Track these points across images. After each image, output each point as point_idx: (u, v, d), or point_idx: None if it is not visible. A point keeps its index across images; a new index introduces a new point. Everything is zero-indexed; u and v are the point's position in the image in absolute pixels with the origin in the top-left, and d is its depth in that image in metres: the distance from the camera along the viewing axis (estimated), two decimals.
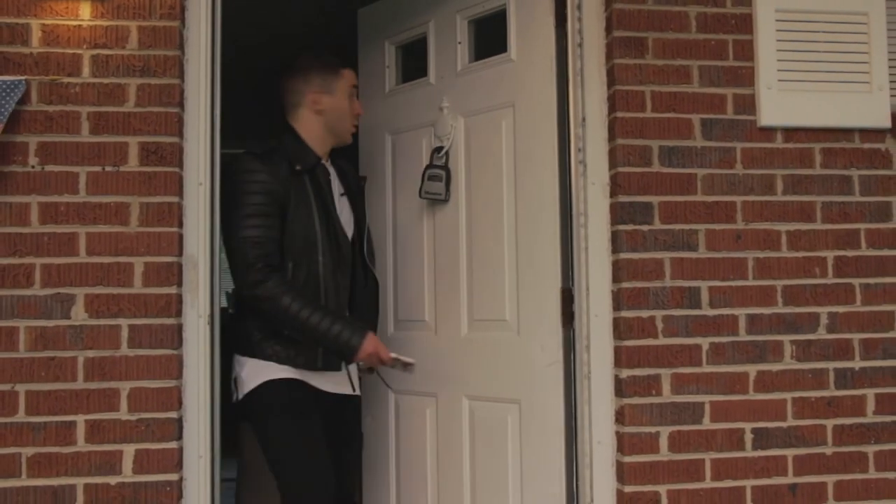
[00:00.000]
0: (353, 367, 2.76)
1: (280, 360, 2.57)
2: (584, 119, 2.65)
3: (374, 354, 2.61)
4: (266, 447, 2.63)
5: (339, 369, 2.67)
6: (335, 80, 2.70)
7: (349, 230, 2.74)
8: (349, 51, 3.22)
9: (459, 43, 2.94)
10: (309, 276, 2.58)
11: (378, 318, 2.93)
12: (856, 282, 2.67)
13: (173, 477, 2.37)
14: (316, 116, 2.68)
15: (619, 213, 2.58)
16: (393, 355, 2.63)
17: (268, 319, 2.56)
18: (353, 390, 2.77)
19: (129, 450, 2.36)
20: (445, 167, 2.90)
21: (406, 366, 2.66)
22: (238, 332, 2.64)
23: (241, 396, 2.62)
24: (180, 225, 2.44)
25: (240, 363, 2.63)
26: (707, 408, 2.58)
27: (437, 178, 2.90)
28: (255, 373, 2.58)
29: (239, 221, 2.50)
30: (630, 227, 2.58)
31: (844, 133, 2.69)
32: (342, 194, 2.76)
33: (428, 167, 2.93)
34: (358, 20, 3.33)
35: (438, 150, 2.94)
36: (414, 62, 3.18)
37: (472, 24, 2.96)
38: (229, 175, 2.53)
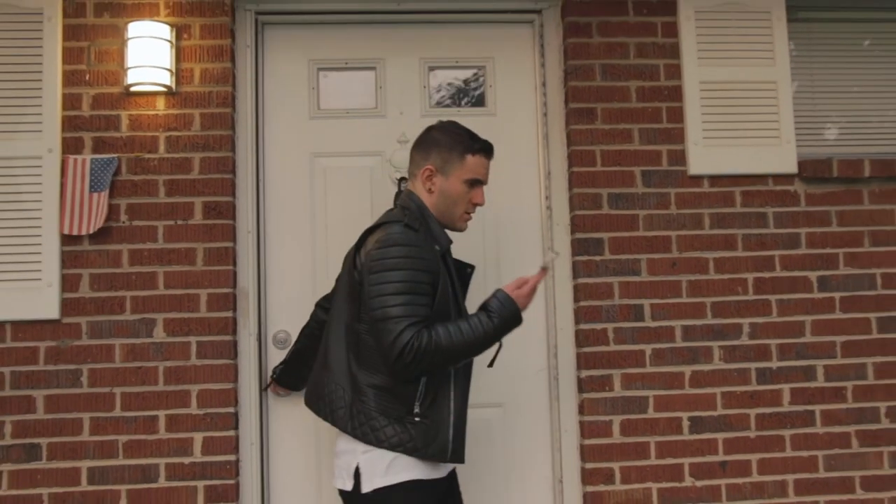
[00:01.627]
0: None
1: (407, 450, 2.35)
2: (549, 173, 3.35)
3: (525, 295, 2.46)
4: None
5: (463, 461, 2.46)
6: (457, 164, 2.52)
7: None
8: None
9: (424, 87, 3.41)
10: None
11: None
12: (772, 298, 3.31)
13: (232, 458, 3.09)
14: (427, 194, 2.55)
15: (577, 247, 3.26)
16: (542, 267, 2.54)
17: (407, 389, 2.37)
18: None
19: (198, 437, 3.08)
20: None
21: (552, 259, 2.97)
22: (355, 413, 2.39)
23: (364, 490, 2.36)
24: (234, 264, 3.17)
25: (356, 450, 2.39)
26: (651, 400, 3.23)
27: None
28: (382, 465, 2.36)
29: (394, 296, 2.31)
30: (586, 257, 3.25)
31: (760, 178, 3.34)
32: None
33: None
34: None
35: (404, 179, 3.15)
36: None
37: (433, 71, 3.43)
38: (382, 243, 2.37)
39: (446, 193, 2.52)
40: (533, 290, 2.47)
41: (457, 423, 2.42)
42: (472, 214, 2.58)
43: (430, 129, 2.59)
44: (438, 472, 2.45)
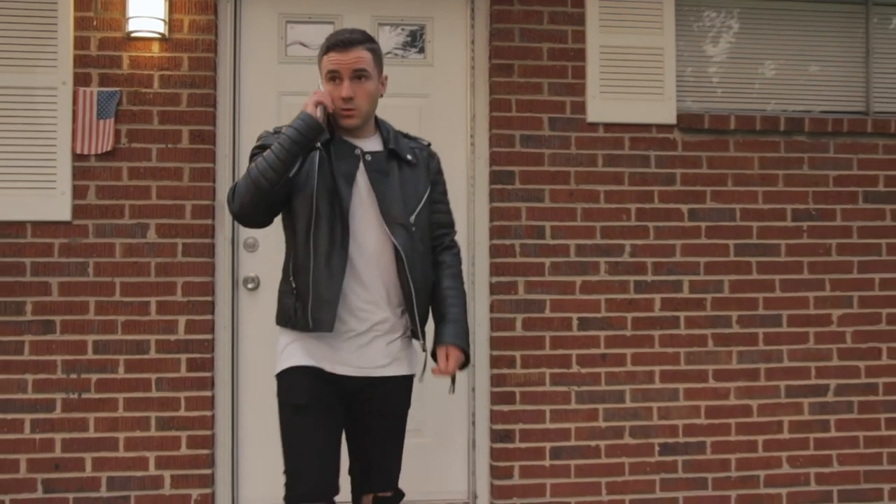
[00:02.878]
0: (393, 345, 2.67)
1: (283, 323, 2.64)
2: (474, 116, 4.09)
3: (318, 100, 2.49)
4: None
5: (326, 329, 2.54)
6: (321, 67, 2.60)
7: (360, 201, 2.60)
8: None
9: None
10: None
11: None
12: (650, 224, 4.09)
13: (209, 337, 3.86)
14: None
15: (493, 177, 4.02)
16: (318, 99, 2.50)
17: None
18: (390, 371, 2.67)
19: (182, 319, 3.84)
20: None
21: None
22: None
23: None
24: (214, 181, 3.90)
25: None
26: (548, 303, 4.02)
27: None
28: (279, 348, 2.68)
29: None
30: (500, 186, 4.01)
31: (645, 127, 4.09)
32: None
33: None
34: None
35: None
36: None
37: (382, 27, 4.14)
38: (434, 160, 2.79)
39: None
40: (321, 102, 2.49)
41: (317, 289, 2.52)
42: (351, 111, 2.56)
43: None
44: (323, 361, 2.59)
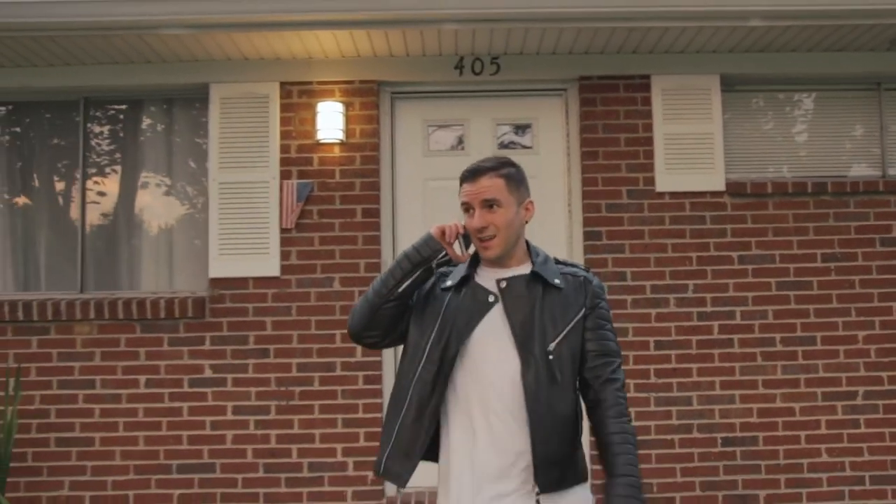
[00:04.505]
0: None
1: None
2: (570, 190, 5.44)
3: (442, 227, 2.50)
4: None
5: (395, 479, 2.47)
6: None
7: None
8: None
9: (494, 136, 5.55)
10: None
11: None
12: (707, 268, 5.32)
13: (378, 358, 5.26)
14: None
15: (586, 236, 5.33)
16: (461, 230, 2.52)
17: None
18: None
19: (359, 347, 5.26)
20: None
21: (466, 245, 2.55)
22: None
23: None
24: (380, 245, 5.33)
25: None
26: (630, 330, 5.28)
27: None
28: None
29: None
30: (590, 242, 5.32)
31: (701, 194, 5.36)
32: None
33: None
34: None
35: None
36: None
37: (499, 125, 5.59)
38: (591, 285, 2.55)
39: None
40: (450, 231, 2.49)
41: (400, 439, 2.46)
42: (488, 241, 2.48)
43: None
44: None
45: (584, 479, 2.52)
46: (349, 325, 2.55)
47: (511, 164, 2.56)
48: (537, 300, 2.47)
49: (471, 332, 2.45)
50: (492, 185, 2.48)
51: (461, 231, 2.50)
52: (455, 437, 2.46)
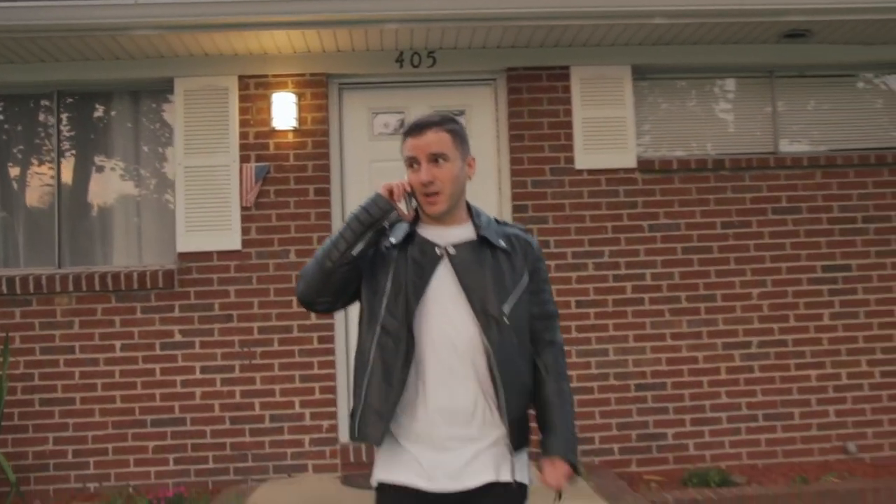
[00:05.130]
0: (489, 452, 2.45)
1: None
2: (500, 170, 6.11)
3: (389, 186, 2.46)
4: None
5: (371, 440, 2.45)
6: (402, 153, 2.52)
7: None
8: None
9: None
10: None
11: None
12: (621, 236, 6.04)
13: (331, 321, 5.90)
14: None
15: (514, 209, 6.01)
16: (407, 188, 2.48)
17: None
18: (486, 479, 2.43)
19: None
20: None
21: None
22: None
23: None
24: (330, 220, 5.96)
25: None
26: (554, 292, 5.98)
27: None
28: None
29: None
30: (518, 215, 6.00)
31: (615, 171, 6.07)
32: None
33: None
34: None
35: None
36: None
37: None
38: (532, 248, 2.58)
39: None
40: (395, 189, 2.46)
41: (370, 401, 2.43)
42: (434, 196, 2.46)
43: None
44: (403, 475, 2.44)
45: (528, 443, 2.56)
46: (300, 293, 2.49)
47: (455, 120, 2.55)
48: (487, 265, 2.46)
49: (425, 286, 2.44)
50: (438, 139, 2.46)
51: (407, 189, 2.47)
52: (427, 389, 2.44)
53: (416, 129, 2.48)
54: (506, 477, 2.42)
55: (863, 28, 5.87)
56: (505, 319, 2.42)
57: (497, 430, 2.44)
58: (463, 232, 2.52)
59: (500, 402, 2.41)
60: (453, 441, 2.42)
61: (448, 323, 2.43)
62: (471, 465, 2.42)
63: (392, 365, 2.41)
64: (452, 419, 2.42)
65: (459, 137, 2.51)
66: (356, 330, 2.60)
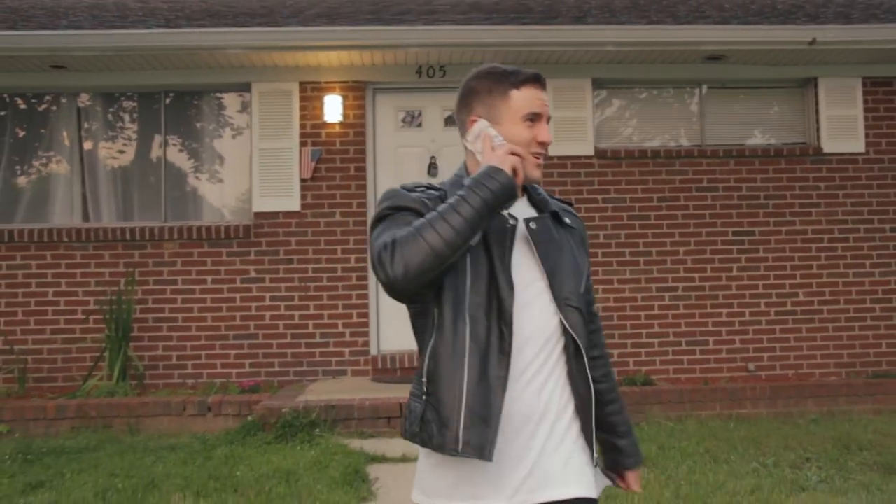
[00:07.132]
0: (559, 457, 2.08)
1: (421, 440, 2.04)
2: None
3: (513, 165, 2.03)
4: None
5: (485, 455, 1.98)
6: (503, 106, 2.13)
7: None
8: None
9: (443, 119, 8.35)
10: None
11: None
12: (582, 206, 8.12)
13: (364, 264, 8.02)
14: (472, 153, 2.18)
15: None
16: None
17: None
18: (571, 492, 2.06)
19: (353, 256, 8.02)
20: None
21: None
22: None
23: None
24: (365, 191, 8.05)
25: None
26: None
27: None
28: (417, 471, 2.17)
29: (374, 234, 2.07)
30: None
31: (577, 157, 8.14)
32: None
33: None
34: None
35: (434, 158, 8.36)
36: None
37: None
38: (583, 225, 2.31)
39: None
40: (516, 167, 2.03)
41: (471, 403, 1.98)
42: (540, 159, 2.15)
43: (465, 81, 2.24)
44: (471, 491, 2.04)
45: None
46: (401, 278, 1.93)
47: None
48: (565, 244, 2.17)
49: (510, 263, 2.06)
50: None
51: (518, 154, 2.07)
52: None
53: (540, 79, 2.17)
54: (591, 491, 2.10)
55: (764, 54, 7.92)
56: (584, 308, 2.15)
57: (581, 437, 2.14)
58: (521, 206, 2.19)
59: (586, 403, 2.13)
60: (530, 451, 2.06)
61: (536, 311, 2.09)
62: (562, 475, 2.07)
63: (486, 360, 2.02)
64: (537, 424, 2.07)
65: None
66: None
